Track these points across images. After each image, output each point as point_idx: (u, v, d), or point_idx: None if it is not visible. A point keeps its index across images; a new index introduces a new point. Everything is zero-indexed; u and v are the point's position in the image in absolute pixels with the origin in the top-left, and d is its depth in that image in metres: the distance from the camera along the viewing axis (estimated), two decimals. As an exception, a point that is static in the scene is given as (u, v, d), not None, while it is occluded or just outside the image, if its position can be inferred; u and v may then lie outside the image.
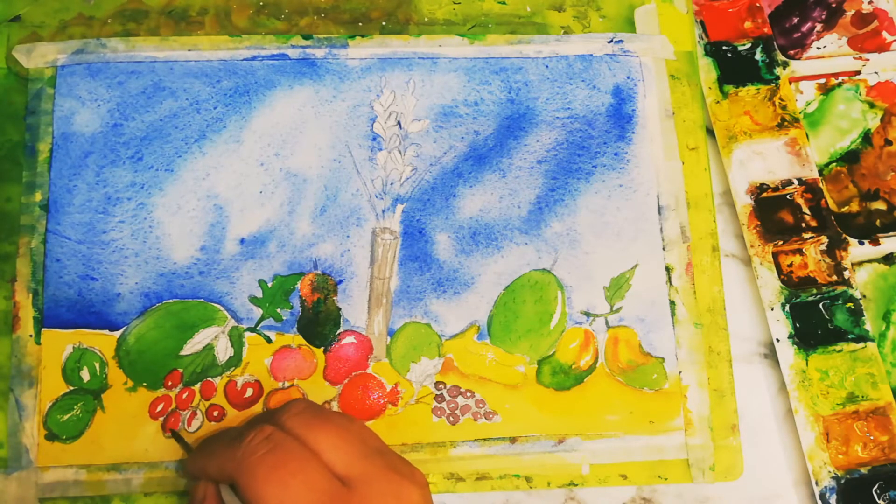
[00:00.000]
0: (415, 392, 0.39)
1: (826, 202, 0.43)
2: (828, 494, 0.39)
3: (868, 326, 0.41)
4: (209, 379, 0.38)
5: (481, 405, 0.39)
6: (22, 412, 0.37)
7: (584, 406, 0.39)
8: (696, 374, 0.40)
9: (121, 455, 0.37)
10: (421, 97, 0.42)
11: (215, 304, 0.39)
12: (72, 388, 0.38)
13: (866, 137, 0.45)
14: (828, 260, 0.42)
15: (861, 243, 0.42)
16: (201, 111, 0.41)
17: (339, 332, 0.39)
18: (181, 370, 0.38)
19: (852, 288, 0.41)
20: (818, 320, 0.41)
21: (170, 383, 0.38)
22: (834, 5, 0.47)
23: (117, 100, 0.41)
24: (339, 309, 0.40)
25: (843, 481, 0.39)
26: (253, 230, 0.40)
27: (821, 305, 0.41)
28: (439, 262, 0.41)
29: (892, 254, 0.43)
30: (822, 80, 0.46)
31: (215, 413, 0.38)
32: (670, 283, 0.41)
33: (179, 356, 0.38)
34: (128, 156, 0.41)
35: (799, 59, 0.46)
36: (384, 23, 0.44)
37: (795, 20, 0.47)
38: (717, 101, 0.44)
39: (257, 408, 0.38)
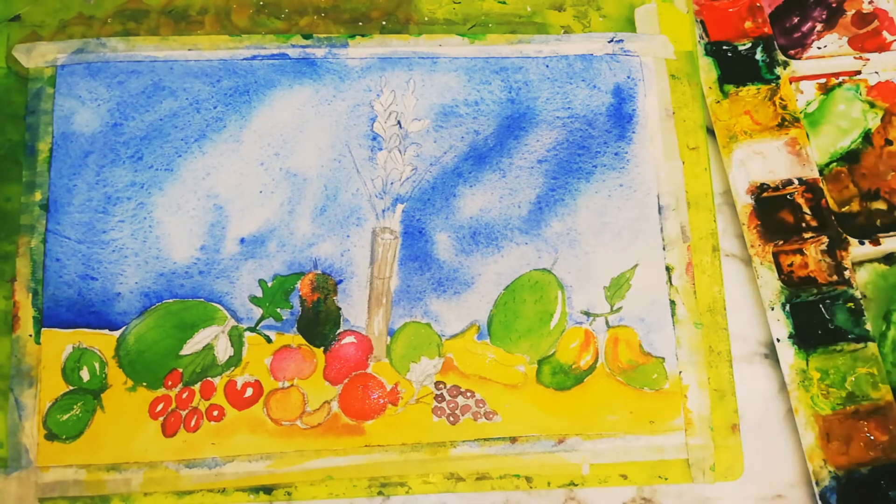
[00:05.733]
0: (415, 392, 0.39)
1: (826, 202, 0.43)
2: (828, 494, 0.38)
3: (868, 326, 0.41)
4: (209, 378, 0.38)
5: (481, 405, 0.39)
6: (22, 412, 0.37)
7: (585, 406, 0.39)
8: (697, 374, 0.40)
9: (121, 455, 0.37)
10: (421, 97, 0.42)
11: (215, 304, 0.39)
12: (71, 387, 0.37)
13: (866, 137, 0.45)
14: (828, 260, 0.42)
15: (861, 243, 0.42)
16: (201, 111, 0.41)
17: (339, 331, 0.39)
18: (181, 370, 0.38)
19: (852, 288, 0.41)
20: (818, 320, 0.41)
21: (170, 383, 0.38)
22: (834, 5, 0.47)
23: (117, 99, 0.41)
24: (339, 309, 0.40)
25: (843, 481, 0.39)
26: (253, 230, 0.40)
27: (821, 305, 0.41)
28: (439, 261, 0.41)
29: (892, 253, 0.43)
30: (823, 80, 0.46)
31: (215, 413, 0.38)
32: (670, 283, 0.41)
33: (179, 356, 0.38)
34: (128, 155, 0.41)
35: (799, 58, 0.46)
36: (384, 22, 0.44)
37: (796, 20, 0.47)
38: (718, 101, 0.44)
39: (257, 408, 0.38)
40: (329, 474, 0.38)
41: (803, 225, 0.43)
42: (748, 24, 0.46)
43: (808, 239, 0.42)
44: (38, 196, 0.40)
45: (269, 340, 0.39)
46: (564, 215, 0.42)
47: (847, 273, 0.42)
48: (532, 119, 0.43)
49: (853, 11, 0.47)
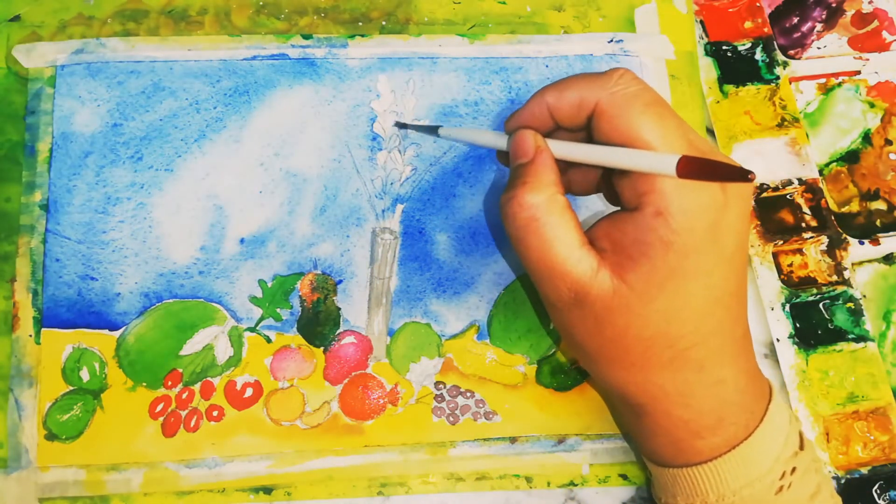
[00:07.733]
0: (415, 392, 0.39)
1: (826, 202, 0.43)
2: (828, 494, 0.38)
3: (868, 326, 0.41)
4: (209, 379, 0.38)
5: (481, 405, 0.39)
6: (22, 412, 0.37)
7: (584, 406, 0.39)
8: (697, 374, 0.40)
9: (120, 455, 0.37)
10: (421, 97, 0.42)
11: (215, 304, 0.39)
12: (71, 387, 0.37)
13: (866, 137, 0.45)
14: (828, 260, 0.42)
15: (861, 243, 0.42)
16: (201, 111, 0.41)
17: (338, 331, 0.39)
18: (181, 370, 0.38)
19: (852, 288, 0.41)
20: (818, 320, 0.41)
21: (169, 383, 0.38)
22: (834, 5, 0.47)
23: (117, 100, 0.41)
24: (339, 309, 0.40)
25: (843, 481, 0.39)
26: (253, 230, 0.40)
27: (821, 305, 0.41)
28: (439, 262, 0.41)
29: (892, 254, 0.43)
30: (823, 80, 0.46)
31: (214, 413, 0.38)
32: (670, 283, 0.41)
33: (179, 356, 0.38)
34: (127, 156, 0.41)
35: (799, 58, 0.46)
36: (384, 22, 0.44)
37: (795, 20, 0.47)
38: (718, 101, 0.44)
39: (257, 408, 0.38)
40: (329, 474, 0.38)
41: (803, 225, 0.43)
42: (748, 25, 0.46)
43: (807, 239, 0.42)
44: (38, 196, 0.40)
45: (268, 340, 0.39)
46: (564, 215, 0.41)
47: (847, 273, 0.42)
48: (532, 119, 0.43)
49: (853, 11, 0.47)
